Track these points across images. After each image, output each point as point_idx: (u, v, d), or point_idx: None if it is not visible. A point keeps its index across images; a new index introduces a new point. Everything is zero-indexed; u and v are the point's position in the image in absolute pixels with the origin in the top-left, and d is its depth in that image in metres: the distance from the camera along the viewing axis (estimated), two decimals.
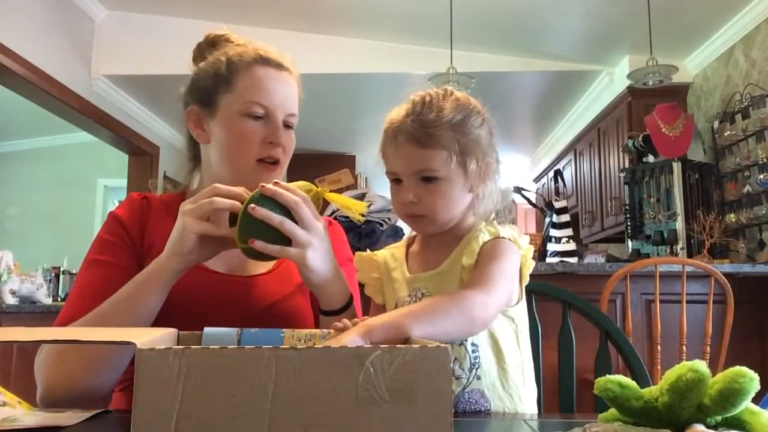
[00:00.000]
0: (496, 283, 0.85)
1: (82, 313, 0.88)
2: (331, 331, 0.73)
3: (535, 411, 0.95)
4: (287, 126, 1.02)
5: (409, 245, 1.03)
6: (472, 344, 0.90)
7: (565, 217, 3.60)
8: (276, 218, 0.81)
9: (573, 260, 3.40)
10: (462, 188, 0.92)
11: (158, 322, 0.88)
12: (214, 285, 0.98)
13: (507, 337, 0.92)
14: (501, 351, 0.91)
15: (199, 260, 0.88)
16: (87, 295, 0.92)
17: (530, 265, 0.94)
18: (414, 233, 1.03)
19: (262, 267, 1.04)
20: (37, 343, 0.86)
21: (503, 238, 0.91)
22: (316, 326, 1.00)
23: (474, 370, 0.89)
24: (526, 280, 0.94)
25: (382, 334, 0.69)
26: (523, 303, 0.96)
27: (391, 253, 1.03)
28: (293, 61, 1.06)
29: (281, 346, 0.46)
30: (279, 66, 1.02)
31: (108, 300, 0.87)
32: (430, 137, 0.89)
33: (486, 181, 0.94)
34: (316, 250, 0.84)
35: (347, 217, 2.46)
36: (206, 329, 0.72)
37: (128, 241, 1.00)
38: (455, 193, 0.91)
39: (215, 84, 1.01)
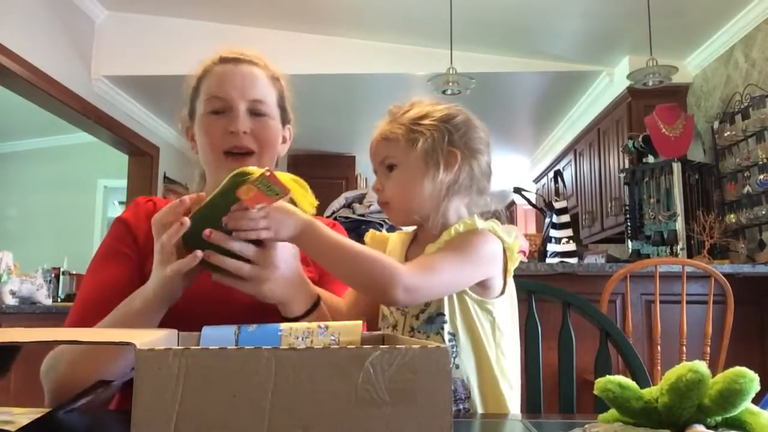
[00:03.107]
0: (438, 270, 0.86)
1: (89, 323, 0.89)
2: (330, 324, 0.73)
3: (517, 406, 0.96)
4: (256, 114, 1.01)
5: (415, 235, 1.06)
6: (449, 333, 0.92)
7: (565, 218, 3.60)
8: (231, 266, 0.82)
9: (573, 261, 3.40)
10: (419, 173, 0.95)
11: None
12: (213, 284, 0.98)
13: (484, 329, 0.93)
14: (479, 341, 0.92)
15: None
16: (94, 303, 0.93)
17: (515, 259, 0.95)
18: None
19: None
20: (37, 344, 0.86)
21: (478, 228, 0.92)
22: None
23: (452, 358, 0.91)
24: (510, 274, 0.96)
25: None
26: (506, 298, 0.96)
27: (400, 239, 1.06)
28: (260, 55, 1.07)
29: (281, 347, 0.46)
30: (236, 60, 1.03)
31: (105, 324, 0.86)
32: (392, 130, 0.97)
33: (441, 163, 0.95)
34: (271, 281, 0.84)
35: (347, 217, 2.46)
36: (204, 328, 0.72)
37: (134, 246, 1.00)
38: (412, 177, 0.95)
39: (192, 96, 1.05)
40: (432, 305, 0.92)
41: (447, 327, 0.91)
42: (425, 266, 0.86)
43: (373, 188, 1.00)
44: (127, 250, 1.00)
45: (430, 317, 0.92)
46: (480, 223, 0.92)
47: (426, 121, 0.96)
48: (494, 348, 0.94)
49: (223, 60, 1.03)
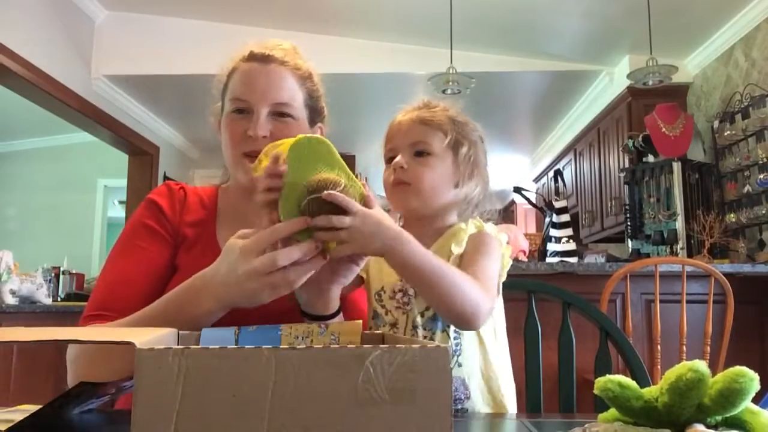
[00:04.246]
0: (494, 283, 0.89)
1: (115, 302, 0.89)
2: (330, 323, 0.73)
3: (515, 404, 0.97)
4: (280, 115, 0.99)
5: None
6: (455, 331, 0.93)
7: (565, 217, 3.60)
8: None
9: (573, 260, 3.40)
10: (450, 175, 0.96)
11: None
12: None
13: (487, 327, 0.95)
14: (482, 340, 0.94)
15: None
16: (122, 282, 0.93)
17: (507, 264, 0.98)
18: (401, 222, 1.04)
19: None
20: (37, 343, 0.86)
21: (487, 231, 0.96)
22: None
23: (456, 356, 0.92)
24: (504, 276, 0.98)
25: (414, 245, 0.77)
26: (500, 298, 0.99)
27: None
28: (292, 51, 1.04)
29: (281, 347, 0.46)
30: (264, 59, 1.00)
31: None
32: (433, 117, 0.97)
33: (472, 179, 0.98)
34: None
35: None
36: (204, 329, 0.72)
37: (167, 228, 1.00)
38: (443, 174, 0.96)
39: (223, 91, 1.04)
40: None
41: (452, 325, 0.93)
42: (485, 284, 0.86)
43: (395, 164, 0.96)
44: (162, 231, 0.99)
45: (436, 314, 0.93)
46: (487, 227, 0.97)
47: (467, 130, 0.99)
48: (496, 345, 0.96)
49: (252, 57, 1.00)
